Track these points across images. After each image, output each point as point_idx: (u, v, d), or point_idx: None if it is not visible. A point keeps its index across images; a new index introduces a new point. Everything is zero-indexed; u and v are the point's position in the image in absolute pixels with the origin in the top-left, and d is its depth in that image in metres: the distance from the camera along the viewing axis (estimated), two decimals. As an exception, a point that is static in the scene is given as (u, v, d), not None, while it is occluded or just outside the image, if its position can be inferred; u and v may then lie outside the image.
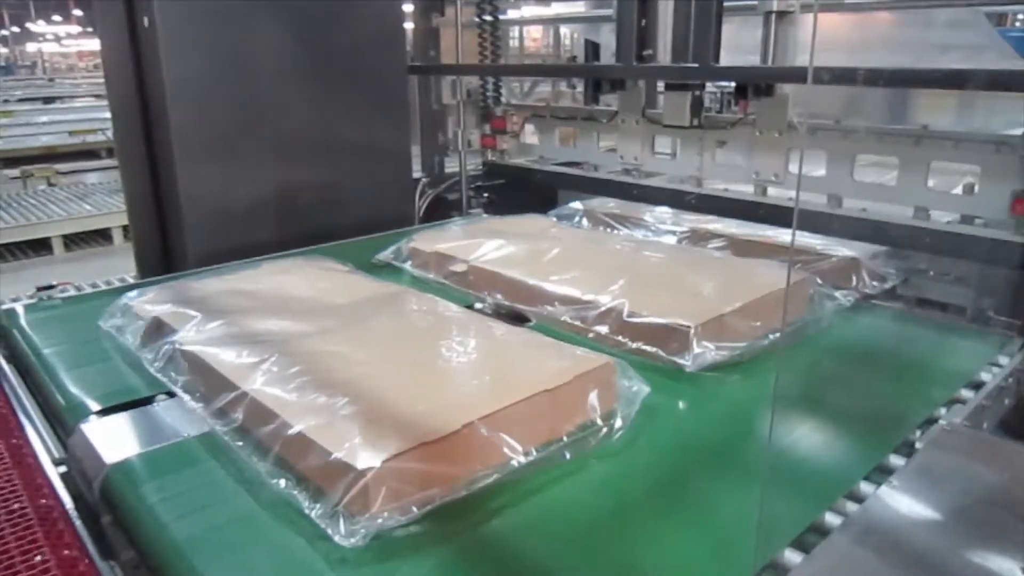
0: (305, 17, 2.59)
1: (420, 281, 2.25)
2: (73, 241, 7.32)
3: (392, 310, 1.79)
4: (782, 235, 2.33)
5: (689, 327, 1.65)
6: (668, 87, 2.51)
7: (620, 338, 1.75)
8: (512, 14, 3.60)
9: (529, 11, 3.77)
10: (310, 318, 1.72)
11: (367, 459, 1.12)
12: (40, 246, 7.08)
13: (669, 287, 1.91)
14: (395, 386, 1.37)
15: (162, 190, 2.51)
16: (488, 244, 2.22)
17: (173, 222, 2.49)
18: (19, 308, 2.01)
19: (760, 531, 1.09)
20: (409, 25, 3.27)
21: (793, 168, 2.37)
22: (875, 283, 2.08)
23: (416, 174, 3.30)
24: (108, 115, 2.66)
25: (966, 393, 1.55)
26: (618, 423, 1.39)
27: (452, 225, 2.72)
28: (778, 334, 1.75)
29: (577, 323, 1.83)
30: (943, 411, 1.48)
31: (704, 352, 1.65)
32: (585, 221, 2.76)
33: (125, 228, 6.81)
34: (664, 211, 2.71)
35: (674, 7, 2.33)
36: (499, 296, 2.03)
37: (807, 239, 2.22)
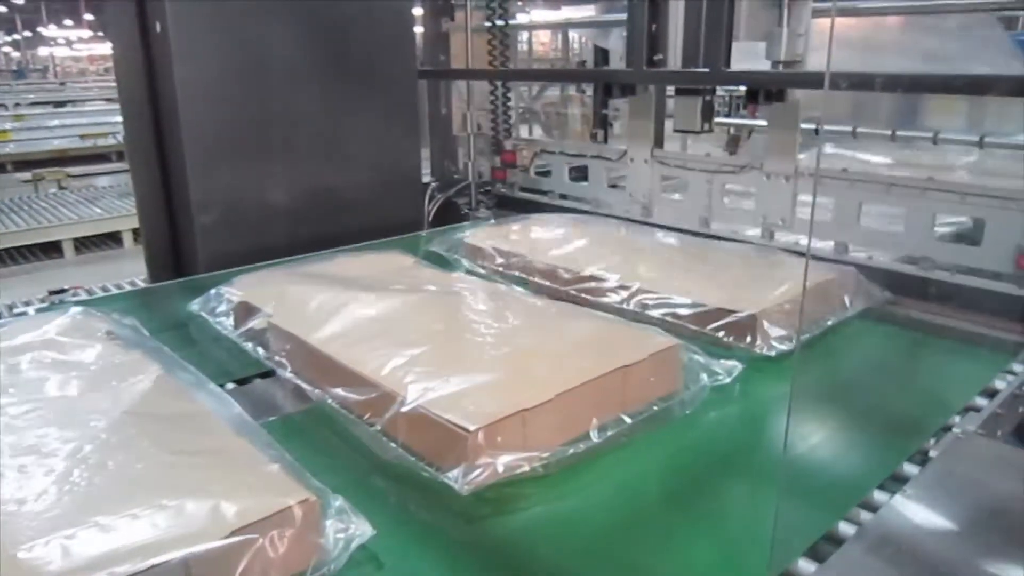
0: (316, 22, 2.59)
1: (215, 340, 1.81)
2: (84, 244, 7.37)
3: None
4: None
5: (468, 431, 1.19)
6: (679, 92, 2.50)
7: (386, 440, 1.32)
8: (522, 18, 3.59)
9: (539, 15, 3.77)
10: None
11: None
12: (51, 249, 7.13)
13: (486, 365, 1.43)
14: None
15: (173, 194, 2.52)
16: (309, 293, 1.80)
17: (184, 226, 2.50)
18: (31, 312, 2.02)
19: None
20: (419, 29, 3.28)
21: (799, 212, 2.31)
22: (776, 343, 1.69)
23: (425, 178, 3.31)
24: (118, 119, 2.68)
25: (980, 401, 1.54)
26: None
27: (303, 263, 2.25)
28: (609, 433, 1.33)
29: (349, 413, 1.41)
30: (957, 419, 1.46)
31: (485, 469, 1.18)
32: (464, 259, 2.39)
33: (135, 231, 6.85)
34: (572, 250, 2.27)
35: (685, 12, 2.32)
36: (289, 364, 1.61)
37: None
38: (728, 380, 1.53)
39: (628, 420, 1.37)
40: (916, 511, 1.16)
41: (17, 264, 6.91)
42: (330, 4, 2.61)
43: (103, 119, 12.76)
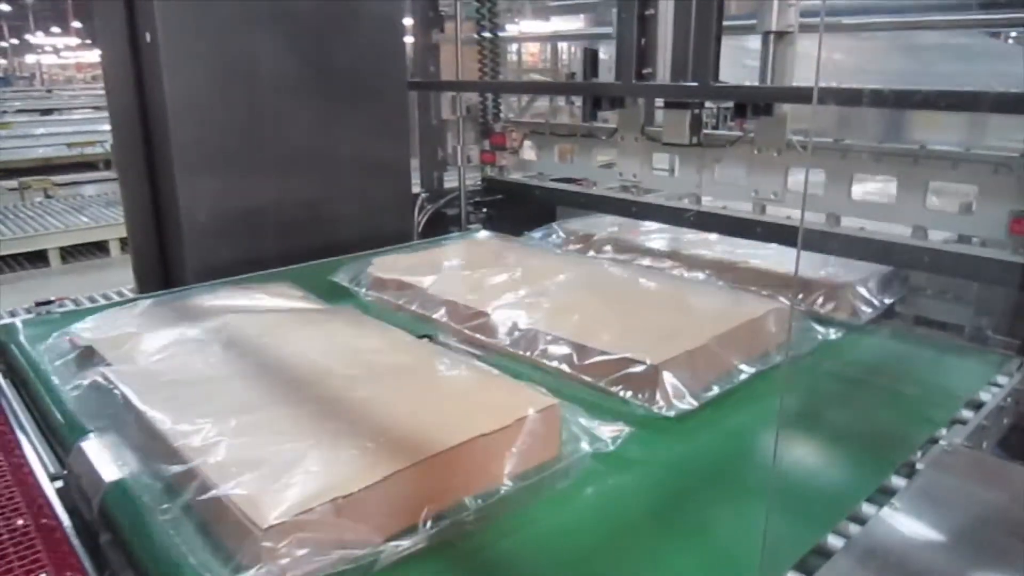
0: (306, 33, 2.60)
1: (50, 392, 1.56)
2: (70, 253, 7.31)
3: None
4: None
5: (258, 528, 1.01)
6: (667, 105, 2.52)
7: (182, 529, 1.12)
8: (511, 30, 3.61)
9: (528, 27, 3.79)
10: None
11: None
12: (37, 258, 7.07)
13: (320, 437, 1.22)
14: None
15: (161, 203, 2.51)
16: (159, 339, 1.57)
17: (172, 235, 2.49)
18: (18, 323, 2.00)
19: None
20: (409, 40, 3.29)
21: (791, 185, 2.37)
22: (677, 402, 1.48)
23: (415, 189, 3.31)
24: (106, 127, 2.67)
25: (966, 413, 1.55)
26: None
27: (182, 296, 2.07)
28: (447, 521, 1.13)
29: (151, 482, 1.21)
30: (944, 431, 1.48)
31: (280, 573, 0.99)
32: (366, 291, 2.21)
33: (122, 240, 6.80)
34: (483, 283, 2.04)
35: (673, 26, 2.34)
36: (119, 427, 1.39)
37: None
38: (612, 447, 1.34)
39: (473, 504, 1.15)
40: (904, 523, 1.17)
41: (2, 273, 6.85)
42: (321, 15, 2.62)
43: (90, 127, 12.69)
